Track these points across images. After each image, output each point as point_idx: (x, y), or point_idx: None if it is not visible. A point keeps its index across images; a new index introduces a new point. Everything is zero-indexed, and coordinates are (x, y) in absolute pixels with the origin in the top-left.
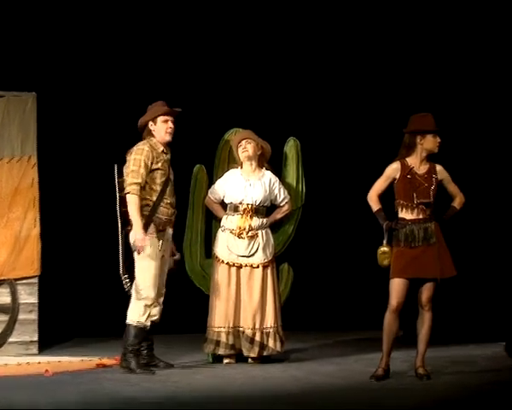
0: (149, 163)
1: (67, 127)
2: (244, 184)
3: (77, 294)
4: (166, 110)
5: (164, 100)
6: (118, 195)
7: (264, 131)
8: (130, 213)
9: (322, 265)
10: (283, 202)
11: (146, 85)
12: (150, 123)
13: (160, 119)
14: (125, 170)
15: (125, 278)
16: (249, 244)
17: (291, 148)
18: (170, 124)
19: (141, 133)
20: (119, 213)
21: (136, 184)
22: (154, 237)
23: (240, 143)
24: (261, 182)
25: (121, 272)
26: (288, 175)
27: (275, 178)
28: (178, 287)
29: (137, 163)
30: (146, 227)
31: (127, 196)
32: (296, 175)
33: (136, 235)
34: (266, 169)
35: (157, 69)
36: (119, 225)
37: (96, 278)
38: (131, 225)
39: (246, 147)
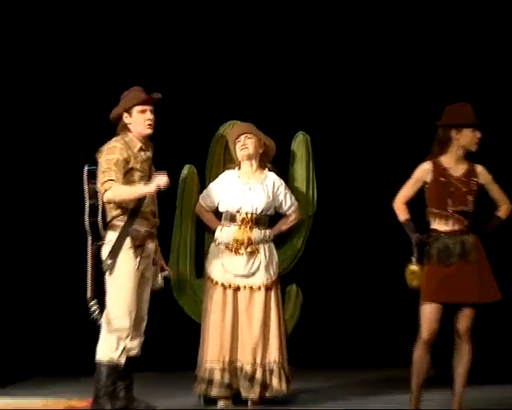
0: (123, 162)
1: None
2: (242, 188)
3: (38, 323)
4: (143, 98)
5: (141, 85)
6: (88, 202)
7: (266, 125)
8: (124, 198)
9: (338, 286)
10: (290, 210)
11: (120, 67)
12: (125, 115)
13: (136, 109)
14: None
15: (92, 305)
16: (249, 261)
17: (300, 144)
18: (148, 114)
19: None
20: (88, 225)
21: (110, 180)
22: (131, 254)
23: (238, 138)
24: (263, 186)
25: (89, 296)
26: (296, 177)
27: (279, 181)
28: (164, 314)
29: (109, 163)
30: (120, 242)
31: (105, 195)
32: (306, 177)
33: (146, 188)
34: (269, 170)
35: (132, 46)
36: (89, 239)
37: (63, 304)
38: (102, 238)
39: (245, 143)
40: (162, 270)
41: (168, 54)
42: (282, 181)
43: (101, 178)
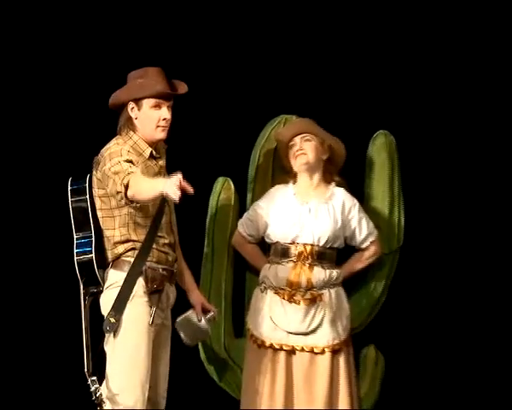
0: (135, 162)
1: None
2: (299, 209)
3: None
4: (160, 91)
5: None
6: (75, 234)
7: (331, 122)
8: (144, 194)
9: (433, 349)
10: (366, 242)
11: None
12: (131, 105)
13: (149, 102)
14: (100, 197)
15: (92, 382)
16: (308, 313)
17: (381, 149)
18: (164, 112)
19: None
20: (77, 265)
21: (128, 174)
22: (144, 302)
23: (292, 141)
24: (328, 207)
25: (86, 369)
26: (376, 195)
27: (352, 201)
28: (189, 384)
29: (117, 163)
30: (129, 286)
31: (128, 191)
32: (389, 195)
33: (165, 184)
34: (337, 185)
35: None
36: (81, 286)
37: (53, 379)
38: (99, 283)
39: (302, 148)
40: (204, 311)
41: (192, 30)
42: (356, 201)
43: (115, 182)
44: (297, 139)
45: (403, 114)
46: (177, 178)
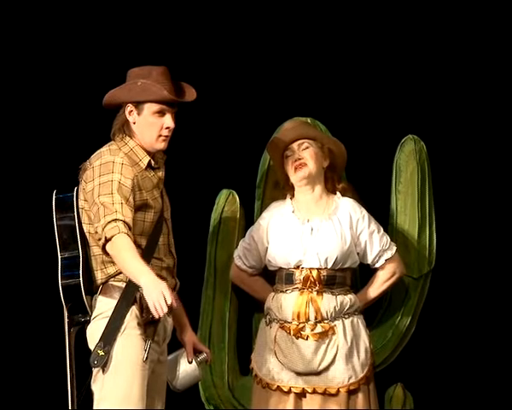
0: (131, 185)
1: None
2: (300, 229)
3: None
4: (166, 96)
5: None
6: (60, 254)
7: (352, 126)
8: (122, 264)
9: (469, 389)
10: (381, 261)
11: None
12: (129, 107)
13: (151, 107)
14: (87, 211)
15: None
16: (318, 350)
17: (410, 157)
18: (168, 120)
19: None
20: (61, 289)
21: (114, 221)
22: (137, 335)
23: (287, 148)
24: (333, 223)
25: (70, 409)
26: (404, 211)
27: (360, 212)
28: None
29: (108, 189)
30: (120, 315)
31: (108, 246)
32: (419, 210)
33: (147, 284)
34: (342, 192)
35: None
36: (65, 314)
37: None
38: (87, 311)
39: (301, 157)
40: (196, 352)
41: (199, 35)
42: (365, 211)
43: (98, 218)
44: (294, 147)
45: (435, 115)
46: (164, 288)
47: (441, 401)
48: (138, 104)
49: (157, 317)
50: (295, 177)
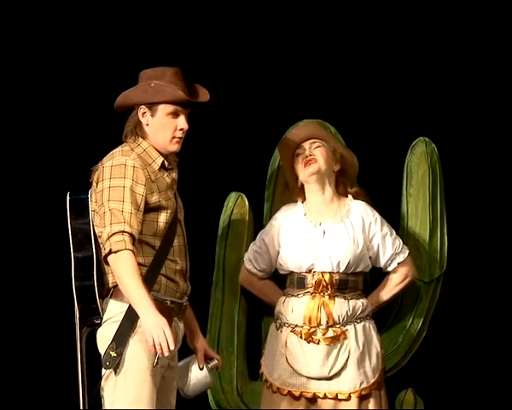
0: (143, 191)
1: None
2: (312, 232)
3: None
4: (181, 97)
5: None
6: (73, 254)
7: (361, 128)
8: (123, 286)
9: (481, 394)
10: (393, 264)
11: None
12: (142, 109)
13: (164, 109)
14: (97, 213)
15: None
16: (330, 355)
17: (421, 160)
18: (182, 121)
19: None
20: (75, 292)
21: (121, 233)
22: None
23: (298, 147)
24: (345, 226)
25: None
26: (415, 214)
27: (372, 215)
28: None
29: (119, 195)
30: (130, 319)
31: (110, 257)
32: (431, 213)
33: (148, 321)
34: (354, 196)
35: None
36: (76, 315)
37: None
38: (99, 314)
39: (312, 153)
40: (206, 359)
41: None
42: (377, 214)
43: (106, 223)
44: (305, 145)
45: (446, 117)
46: (165, 326)
47: (452, 406)
48: (152, 106)
49: (160, 354)
50: (305, 172)
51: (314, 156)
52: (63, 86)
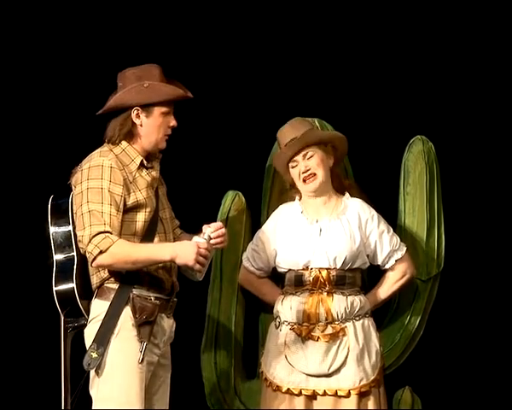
0: (121, 192)
1: None
2: (309, 230)
3: None
4: (181, 94)
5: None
6: (54, 257)
7: (359, 127)
8: (136, 264)
9: (478, 392)
10: (391, 262)
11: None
12: (135, 111)
13: (161, 108)
14: (76, 216)
15: None
16: (329, 352)
17: (418, 157)
18: (173, 119)
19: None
20: (55, 295)
21: (103, 233)
22: (131, 337)
23: (292, 160)
24: (342, 222)
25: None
26: (412, 213)
27: (369, 212)
28: None
29: (97, 196)
30: (113, 317)
31: (97, 260)
32: (428, 211)
33: (178, 257)
34: (349, 190)
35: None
36: (61, 319)
37: None
38: (82, 314)
39: (308, 167)
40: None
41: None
42: (374, 211)
43: (83, 225)
44: (298, 158)
45: (444, 116)
46: (196, 244)
47: (449, 404)
48: (147, 106)
49: (200, 269)
50: (306, 188)
51: (311, 170)
52: (44, 90)
